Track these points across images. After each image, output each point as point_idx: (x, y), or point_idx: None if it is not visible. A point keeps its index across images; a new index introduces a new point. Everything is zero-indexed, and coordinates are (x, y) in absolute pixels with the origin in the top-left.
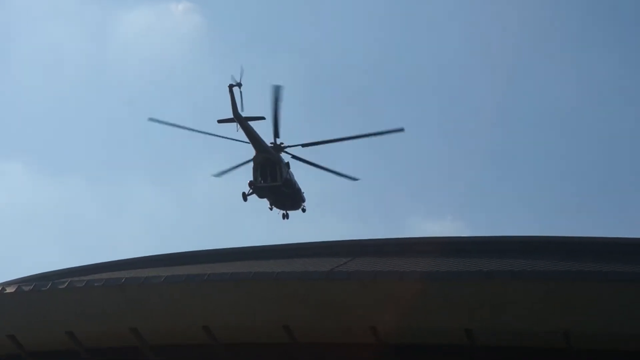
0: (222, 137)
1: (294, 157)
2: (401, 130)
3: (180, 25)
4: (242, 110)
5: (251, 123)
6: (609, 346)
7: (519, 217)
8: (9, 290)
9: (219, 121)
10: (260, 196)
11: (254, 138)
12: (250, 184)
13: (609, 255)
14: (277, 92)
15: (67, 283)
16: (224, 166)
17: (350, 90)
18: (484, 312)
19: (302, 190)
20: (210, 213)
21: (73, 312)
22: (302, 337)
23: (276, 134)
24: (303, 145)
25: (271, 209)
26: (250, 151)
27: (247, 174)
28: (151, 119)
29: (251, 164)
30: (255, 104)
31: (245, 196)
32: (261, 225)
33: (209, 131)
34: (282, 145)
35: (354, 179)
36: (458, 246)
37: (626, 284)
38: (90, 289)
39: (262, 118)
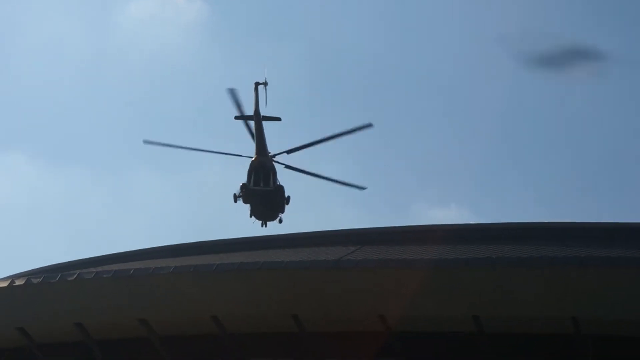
0: (217, 152)
1: (287, 166)
2: (370, 125)
3: (184, 13)
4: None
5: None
6: (618, 332)
7: (525, 203)
8: (18, 282)
9: (237, 117)
10: (247, 201)
11: (261, 140)
12: (243, 186)
13: (617, 241)
14: (364, 127)
15: (75, 275)
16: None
17: (358, 82)
18: (491, 299)
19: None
20: (216, 203)
21: (82, 303)
22: (310, 327)
23: (291, 152)
24: (288, 152)
25: (251, 216)
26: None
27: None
28: (146, 141)
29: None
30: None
31: (235, 198)
32: None
33: (204, 145)
34: (271, 154)
35: (362, 188)
36: (465, 233)
37: (635, 269)
38: (99, 280)
39: (279, 119)
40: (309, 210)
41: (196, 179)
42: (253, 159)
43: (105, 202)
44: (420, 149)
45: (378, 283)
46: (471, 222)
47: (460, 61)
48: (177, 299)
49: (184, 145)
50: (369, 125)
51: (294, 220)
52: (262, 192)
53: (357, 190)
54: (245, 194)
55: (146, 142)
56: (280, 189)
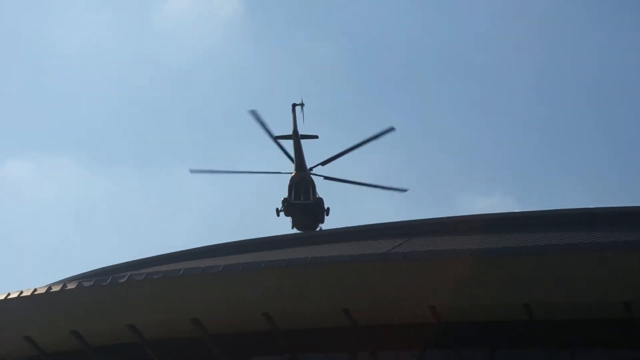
0: (259, 172)
1: (326, 177)
2: (392, 129)
3: (219, 9)
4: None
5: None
6: None
7: (569, 189)
8: (70, 286)
9: (276, 137)
10: (288, 214)
11: (299, 156)
12: (284, 200)
13: None
14: (387, 131)
15: (126, 277)
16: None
17: (393, 72)
18: (542, 287)
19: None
20: (260, 201)
21: (134, 305)
22: (361, 320)
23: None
24: (322, 164)
25: (293, 227)
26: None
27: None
28: (192, 171)
29: None
30: (290, 89)
31: (278, 212)
32: None
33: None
34: (308, 168)
35: (402, 190)
36: (512, 221)
37: None
38: (150, 281)
39: (315, 137)
40: (355, 205)
41: (241, 179)
42: (293, 174)
43: (153, 204)
44: (462, 138)
45: (427, 274)
46: (517, 210)
47: (501, 48)
48: (228, 297)
49: (228, 169)
50: (392, 129)
51: (341, 215)
52: (303, 205)
53: (399, 193)
54: (287, 207)
55: (193, 171)
56: (320, 201)
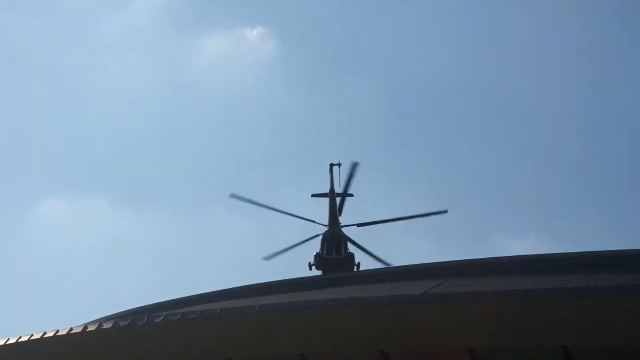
0: (295, 216)
1: (359, 225)
2: (444, 212)
3: (256, 51)
4: (339, 186)
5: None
6: None
7: (606, 231)
8: (106, 325)
9: (313, 195)
10: (320, 268)
11: (334, 213)
12: (317, 255)
13: None
14: (439, 212)
15: (162, 316)
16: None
17: (430, 110)
18: (580, 329)
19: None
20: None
21: (170, 344)
22: None
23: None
24: (358, 225)
25: None
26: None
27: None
28: (232, 195)
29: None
30: (330, 125)
31: (310, 266)
32: None
33: (283, 209)
34: (341, 224)
35: (442, 212)
36: (550, 263)
37: None
38: (187, 321)
39: (351, 195)
40: (388, 248)
41: (276, 222)
42: (326, 230)
43: (187, 244)
44: (496, 179)
45: (465, 315)
46: (553, 252)
47: (538, 89)
48: (264, 337)
49: (266, 202)
50: (444, 212)
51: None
52: (335, 260)
53: (383, 265)
54: (319, 261)
55: (233, 196)
56: (351, 256)
